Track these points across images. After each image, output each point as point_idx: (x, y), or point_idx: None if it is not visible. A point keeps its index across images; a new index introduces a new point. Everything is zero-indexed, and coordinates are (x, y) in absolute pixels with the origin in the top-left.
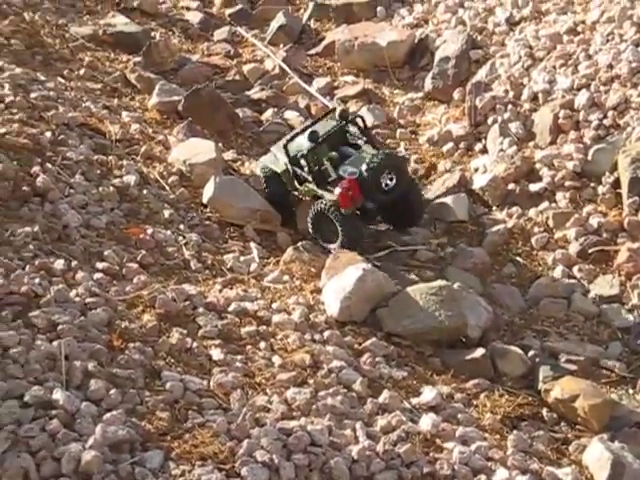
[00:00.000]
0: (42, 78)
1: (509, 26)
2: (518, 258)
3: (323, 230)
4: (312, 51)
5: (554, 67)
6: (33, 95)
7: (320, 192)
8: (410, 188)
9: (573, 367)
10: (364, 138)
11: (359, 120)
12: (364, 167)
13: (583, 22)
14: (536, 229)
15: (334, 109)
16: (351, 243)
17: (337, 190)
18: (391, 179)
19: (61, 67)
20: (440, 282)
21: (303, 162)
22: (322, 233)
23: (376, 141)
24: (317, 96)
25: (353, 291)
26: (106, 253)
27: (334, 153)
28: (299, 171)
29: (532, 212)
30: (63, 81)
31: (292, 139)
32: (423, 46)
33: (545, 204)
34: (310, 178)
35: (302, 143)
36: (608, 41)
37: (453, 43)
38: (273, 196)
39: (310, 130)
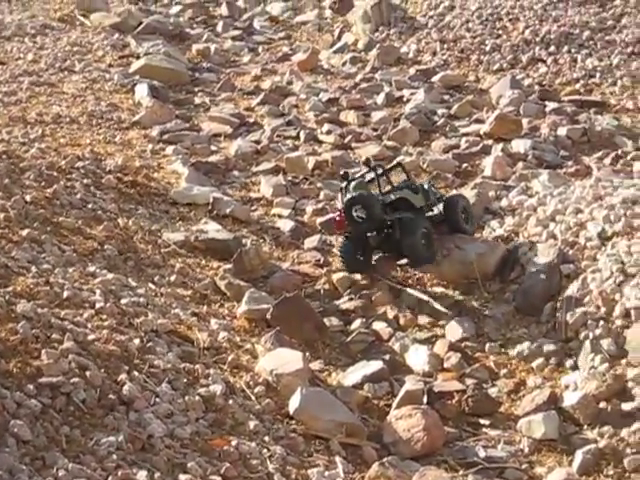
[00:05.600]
0: (133, 284)
1: (601, 241)
2: None
3: None
4: (402, 261)
5: None
6: (124, 301)
7: None
8: (399, 227)
9: None
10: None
11: (379, 169)
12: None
13: None
14: (629, 450)
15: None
16: (343, 263)
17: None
18: (363, 212)
19: (152, 273)
20: None
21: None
22: None
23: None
24: (431, 302)
25: None
26: (189, 465)
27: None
28: None
29: (624, 432)
30: (154, 287)
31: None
32: (513, 259)
33: (638, 424)
34: None
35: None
36: None
37: (544, 256)
38: None
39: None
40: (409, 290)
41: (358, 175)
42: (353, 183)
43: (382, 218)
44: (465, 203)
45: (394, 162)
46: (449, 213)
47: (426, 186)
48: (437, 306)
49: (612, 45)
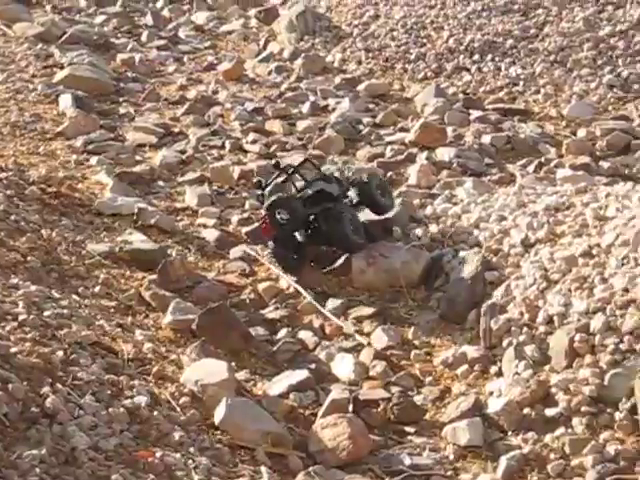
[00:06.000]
0: (57, 295)
1: (524, 248)
2: None
3: None
4: (327, 269)
5: (569, 290)
6: (47, 313)
7: None
8: (324, 218)
9: None
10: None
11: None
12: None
13: (598, 245)
14: (552, 455)
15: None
16: (280, 267)
17: None
18: (285, 214)
19: (76, 284)
20: None
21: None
22: None
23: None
24: (330, 316)
25: None
26: (114, 477)
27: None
28: None
29: (548, 438)
30: (78, 299)
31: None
32: (438, 267)
33: (561, 430)
34: None
35: None
36: (623, 265)
37: (468, 264)
38: None
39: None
40: (322, 310)
41: (271, 179)
42: (268, 188)
43: (305, 214)
44: (377, 180)
45: (302, 159)
46: (364, 193)
47: (336, 174)
48: (350, 329)
49: (535, 53)
